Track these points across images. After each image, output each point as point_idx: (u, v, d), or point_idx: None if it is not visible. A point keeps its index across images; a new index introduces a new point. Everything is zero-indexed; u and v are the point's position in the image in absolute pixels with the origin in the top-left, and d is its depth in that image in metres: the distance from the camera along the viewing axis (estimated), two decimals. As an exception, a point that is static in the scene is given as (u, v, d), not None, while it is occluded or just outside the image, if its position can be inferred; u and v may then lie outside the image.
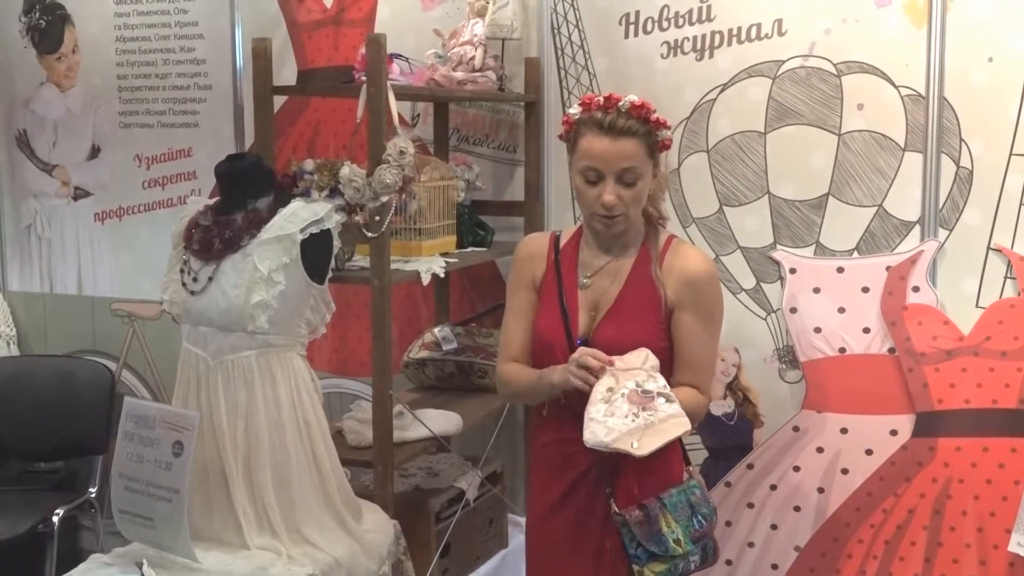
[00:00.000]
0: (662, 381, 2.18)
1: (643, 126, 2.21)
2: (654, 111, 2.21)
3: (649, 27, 3.19)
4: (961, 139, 2.89)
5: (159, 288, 2.63)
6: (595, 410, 2.12)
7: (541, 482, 2.43)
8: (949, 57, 2.88)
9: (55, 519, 3.57)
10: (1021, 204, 2.86)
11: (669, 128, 2.26)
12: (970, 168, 2.89)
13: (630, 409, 2.12)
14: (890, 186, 2.97)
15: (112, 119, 4.10)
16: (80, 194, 4.20)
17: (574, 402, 2.22)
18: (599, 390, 2.14)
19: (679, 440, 2.28)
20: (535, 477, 2.49)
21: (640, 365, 2.18)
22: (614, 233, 2.30)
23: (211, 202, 2.60)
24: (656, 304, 2.27)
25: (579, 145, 2.25)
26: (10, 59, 4.24)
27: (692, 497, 2.26)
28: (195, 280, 2.48)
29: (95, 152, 4.16)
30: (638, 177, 2.22)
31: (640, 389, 2.14)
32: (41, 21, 4.17)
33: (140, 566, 2.30)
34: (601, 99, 2.22)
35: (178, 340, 2.56)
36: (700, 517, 2.24)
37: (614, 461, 2.21)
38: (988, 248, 2.88)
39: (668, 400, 2.14)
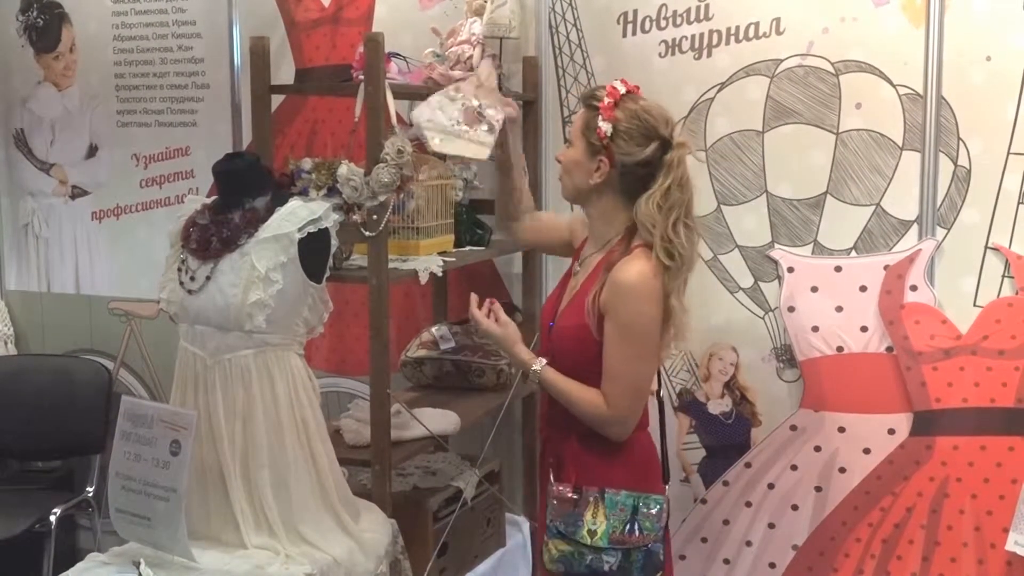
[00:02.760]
0: (502, 115, 2.57)
1: (595, 101, 2.30)
2: (605, 98, 2.27)
3: (647, 26, 3.19)
4: (959, 138, 2.90)
5: (156, 287, 2.61)
6: (436, 99, 2.44)
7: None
8: (947, 56, 2.88)
9: (52, 518, 3.57)
10: (1019, 203, 2.86)
11: (608, 119, 2.26)
12: (968, 167, 2.89)
13: (458, 117, 2.47)
14: (888, 185, 2.97)
15: (110, 118, 4.10)
16: (78, 193, 4.20)
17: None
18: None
19: (662, 456, 2.43)
20: None
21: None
22: (564, 197, 2.46)
23: (209, 201, 2.58)
24: (584, 313, 2.29)
25: None
26: (7, 58, 4.24)
27: (643, 507, 2.28)
28: (192, 279, 2.48)
29: (93, 151, 4.16)
30: (569, 144, 2.38)
31: (478, 110, 2.40)
32: (39, 20, 4.17)
33: (138, 565, 2.29)
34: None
35: (175, 339, 2.55)
36: (636, 526, 2.26)
37: (560, 439, 2.38)
38: (986, 247, 2.89)
39: (490, 131, 2.48)
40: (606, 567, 2.24)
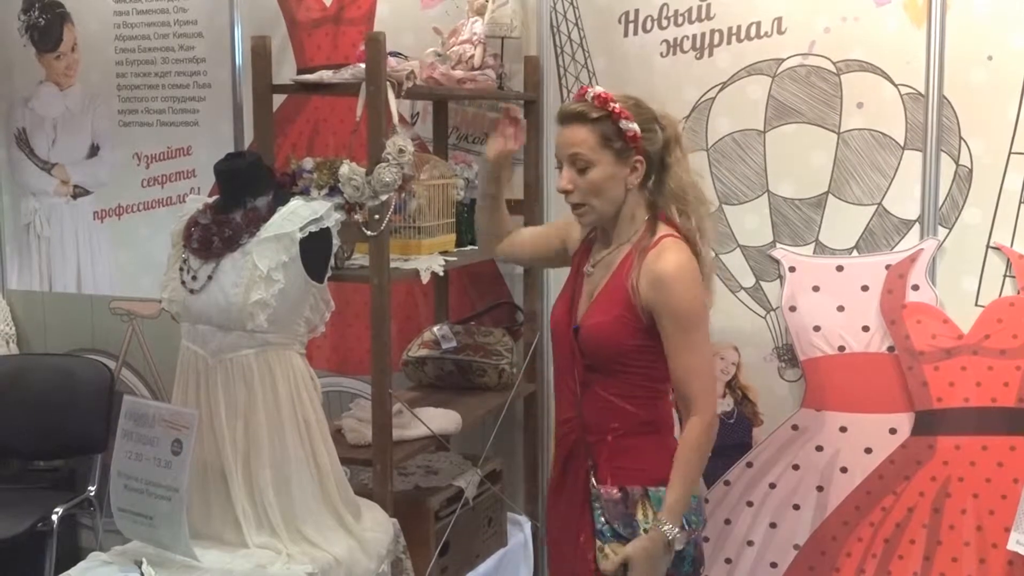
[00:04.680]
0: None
1: (596, 112, 2.22)
2: (616, 103, 2.21)
3: (648, 25, 3.19)
4: (961, 137, 2.89)
5: (158, 286, 2.62)
6: None
7: (553, 462, 2.56)
8: (949, 55, 2.88)
9: (54, 517, 3.58)
10: (1020, 202, 2.86)
11: (631, 120, 2.21)
12: (969, 167, 2.89)
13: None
14: (889, 184, 2.97)
15: (111, 117, 4.10)
16: (79, 192, 4.20)
17: (560, 379, 2.42)
18: None
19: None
20: None
21: None
22: (585, 224, 2.39)
23: (210, 200, 2.59)
24: (626, 302, 2.24)
25: None
26: (9, 57, 4.24)
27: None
28: (194, 279, 2.48)
29: (94, 150, 4.16)
30: (588, 164, 2.23)
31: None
32: (40, 19, 4.17)
33: (139, 564, 2.30)
34: (577, 93, 2.31)
35: (177, 338, 2.56)
36: (684, 520, 2.21)
37: (595, 441, 2.30)
38: (987, 246, 2.89)
39: None
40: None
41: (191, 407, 2.43)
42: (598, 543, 2.23)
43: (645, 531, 2.20)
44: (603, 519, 2.24)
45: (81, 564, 2.43)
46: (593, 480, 2.28)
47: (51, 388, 3.88)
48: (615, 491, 2.25)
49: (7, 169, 4.30)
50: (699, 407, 2.20)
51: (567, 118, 2.27)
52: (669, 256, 2.21)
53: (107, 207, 4.15)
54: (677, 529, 2.16)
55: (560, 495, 2.43)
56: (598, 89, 2.25)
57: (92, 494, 3.78)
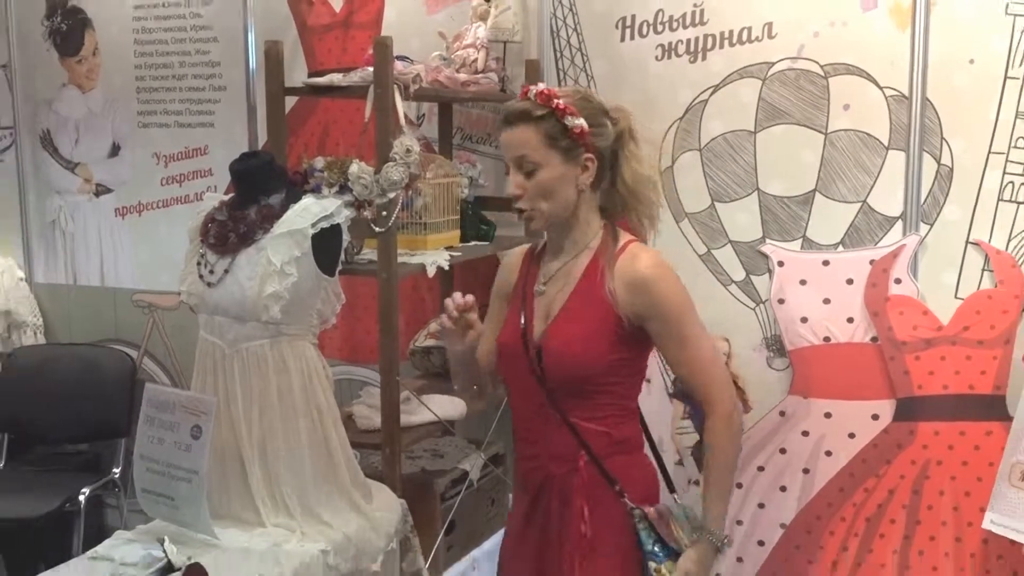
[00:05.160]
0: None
1: (539, 110, 1.99)
2: (559, 98, 1.99)
3: (644, 30, 3.21)
4: (942, 138, 2.91)
5: (177, 280, 2.63)
6: None
7: (515, 487, 2.29)
8: (932, 59, 2.89)
9: (81, 498, 3.63)
10: (999, 200, 2.88)
11: (576, 116, 1.98)
12: (950, 166, 2.91)
13: None
14: (874, 183, 2.99)
15: (131, 119, 4.13)
16: (101, 190, 4.23)
17: (519, 411, 2.15)
18: None
19: (658, 466, 2.22)
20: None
21: None
22: (535, 230, 2.18)
23: (226, 198, 2.62)
24: (604, 310, 2.00)
25: None
26: (33, 61, 4.26)
27: (688, 515, 2.09)
28: (211, 272, 2.50)
29: (115, 150, 4.19)
30: (536, 166, 1.99)
31: None
32: (63, 25, 4.19)
33: (162, 542, 2.31)
34: (520, 92, 2.06)
35: (196, 329, 2.59)
36: (697, 534, 2.05)
37: (568, 467, 2.05)
38: (967, 242, 2.90)
39: None
40: None
41: (209, 394, 2.46)
42: (653, 565, 2.00)
43: (685, 545, 2.03)
44: (653, 539, 2.02)
45: (107, 542, 2.46)
46: (628, 501, 2.04)
47: (76, 376, 3.92)
48: (653, 511, 2.04)
49: (33, 168, 4.33)
50: (715, 401, 2.01)
51: (511, 118, 2.03)
52: (644, 257, 2.02)
53: (128, 204, 4.18)
54: (723, 538, 2.01)
55: (527, 538, 2.16)
56: (540, 86, 2.03)
57: (116, 476, 3.82)
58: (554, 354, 2.02)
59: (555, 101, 1.98)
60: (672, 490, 2.24)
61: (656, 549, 2.02)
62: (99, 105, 4.18)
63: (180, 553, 2.26)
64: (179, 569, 2.22)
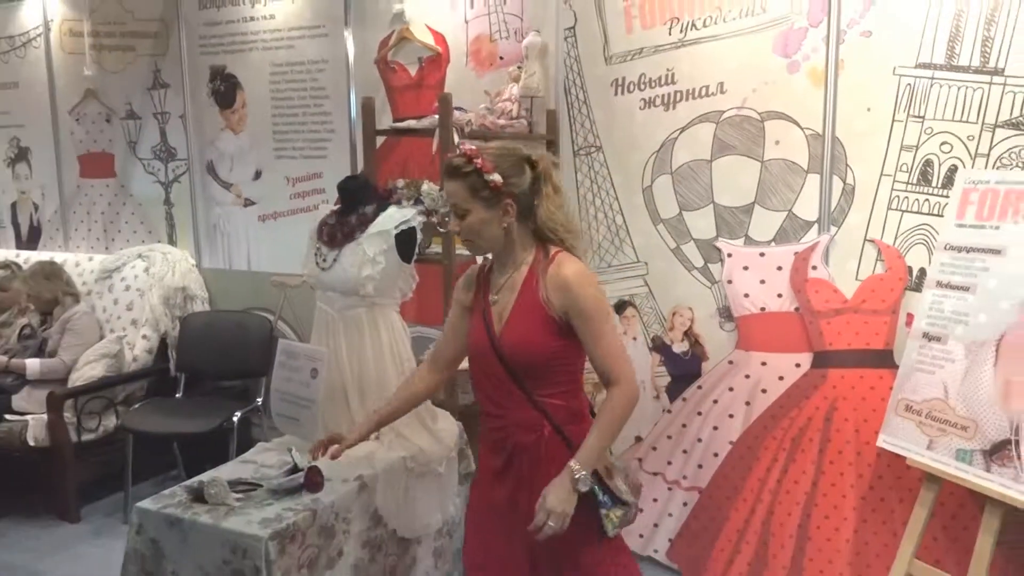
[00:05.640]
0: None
1: (466, 167, 1.82)
2: (477, 158, 1.81)
3: (631, 88, 3.14)
4: (847, 164, 2.83)
5: (301, 265, 2.64)
6: None
7: (482, 452, 2.04)
8: (840, 107, 2.82)
9: (235, 419, 3.64)
10: (888, 209, 2.79)
11: (491, 172, 1.81)
12: (853, 184, 2.83)
13: None
14: (797, 197, 2.92)
15: (269, 153, 4.12)
16: (248, 203, 4.23)
17: (485, 396, 1.94)
18: None
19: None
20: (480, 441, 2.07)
21: None
22: (476, 253, 1.98)
23: (335, 208, 2.60)
24: (540, 310, 1.83)
25: None
26: (201, 114, 4.27)
27: (615, 460, 1.96)
28: (324, 261, 2.50)
29: (258, 175, 4.18)
30: (465, 212, 1.84)
31: None
32: (221, 87, 4.19)
33: (290, 450, 2.32)
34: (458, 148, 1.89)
35: (313, 301, 2.58)
36: (625, 474, 1.94)
37: (534, 436, 1.87)
38: (865, 239, 2.83)
39: None
40: (633, 513, 1.92)
41: (323, 347, 2.45)
42: (603, 511, 1.85)
43: (625, 492, 1.89)
44: (603, 491, 1.85)
45: (252, 449, 2.48)
46: (602, 476, 1.86)
47: (231, 334, 3.94)
48: (602, 468, 1.88)
49: (201, 188, 4.34)
50: (622, 380, 1.81)
51: (446, 173, 1.86)
52: (568, 265, 1.83)
53: (267, 213, 4.17)
54: (585, 472, 1.77)
55: (496, 493, 1.94)
56: (467, 146, 1.85)
57: (259, 404, 3.83)
58: (509, 348, 1.85)
59: (475, 160, 1.81)
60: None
61: (606, 499, 1.85)
62: (247, 143, 4.17)
63: (302, 458, 2.26)
64: (302, 469, 2.20)
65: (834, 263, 2.87)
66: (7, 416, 3.64)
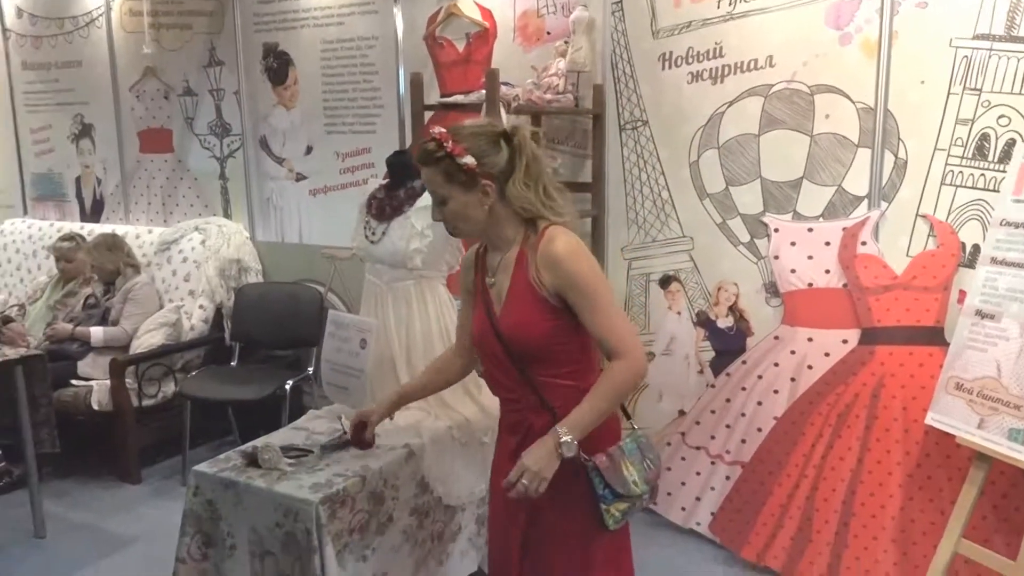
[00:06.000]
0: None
1: (438, 152, 1.71)
2: (448, 141, 1.71)
3: (679, 62, 3.09)
4: (899, 139, 2.76)
5: (350, 239, 2.66)
6: None
7: (501, 432, 1.96)
8: (892, 80, 2.74)
9: (287, 387, 3.71)
10: (941, 184, 2.71)
11: (463, 155, 1.70)
12: (905, 159, 2.76)
13: None
14: (846, 172, 2.85)
15: (320, 128, 4.15)
16: (300, 177, 4.27)
17: (495, 382, 1.87)
18: None
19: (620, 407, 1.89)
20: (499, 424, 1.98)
21: None
22: (462, 237, 1.88)
23: (384, 182, 2.61)
24: (532, 289, 1.72)
25: None
26: (255, 90, 4.31)
27: (641, 444, 1.81)
28: (373, 234, 2.51)
29: (309, 150, 4.22)
30: (444, 199, 1.74)
31: None
32: (274, 64, 4.23)
33: (340, 418, 2.36)
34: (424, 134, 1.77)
35: (362, 273, 2.61)
36: (649, 461, 1.80)
37: (546, 419, 1.75)
38: (916, 215, 2.75)
39: None
40: (644, 503, 1.81)
41: (372, 318, 2.48)
42: (603, 506, 1.73)
43: (634, 483, 1.75)
44: (603, 485, 1.73)
45: (303, 417, 2.52)
46: (583, 454, 1.71)
47: (284, 304, 4.00)
48: (604, 459, 1.74)
49: (255, 162, 4.40)
50: (627, 353, 1.68)
51: (420, 160, 1.76)
52: (558, 240, 1.70)
53: (318, 187, 4.21)
54: (571, 437, 1.66)
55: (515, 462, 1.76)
56: (437, 131, 1.73)
57: (310, 372, 3.89)
58: (507, 331, 1.76)
59: (446, 145, 1.70)
60: (628, 418, 1.94)
61: (606, 493, 1.73)
62: (298, 119, 4.21)
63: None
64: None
65: (884, 239, 2.81)
66: (73, 381, 3.78)
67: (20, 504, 3.41)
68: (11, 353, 3.24)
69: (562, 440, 1.66)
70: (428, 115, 3.35)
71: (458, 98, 3.18)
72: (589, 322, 1.70)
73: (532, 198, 1.73)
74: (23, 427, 3.20)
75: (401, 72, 3.81)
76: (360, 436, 2.14)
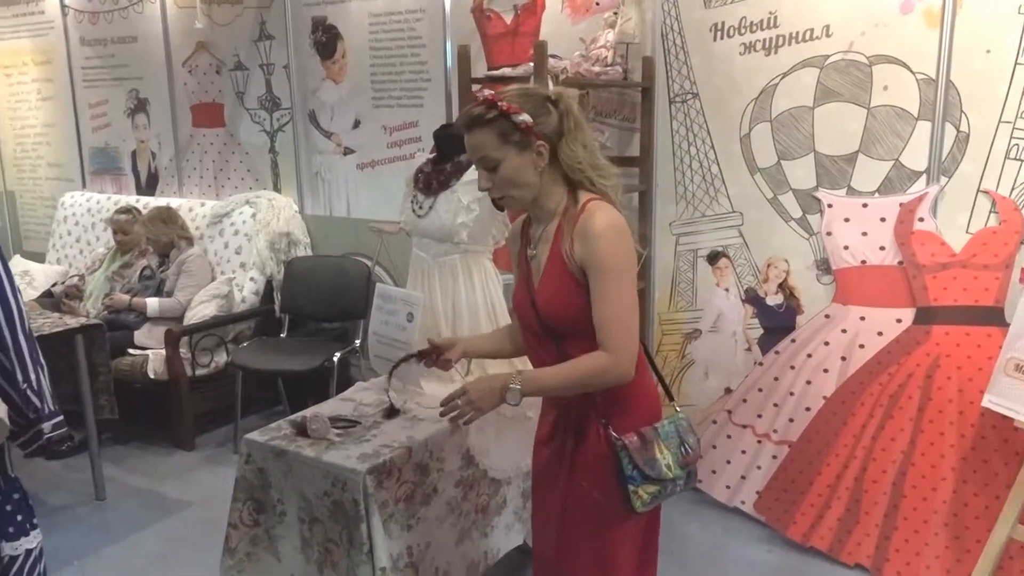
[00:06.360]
0: None
1: (489, 113, 1.64)
2: (502, 101, 1.64)
3: (731, 33, 3.01)
4: (962, 111, 2.65)
5: (398, 213, 2.66)
6: None
7: (541, 412, 1.94)
8: (955, 49, 2.62)
9: (335, 359, 3.75)
10: (1005, 159, 2.61)
11: (519, 113, 1.63)
12: (967, 132, 2.65)
13: None
14: (905, 145, 2.75)
15: (367, 102, 4.15)
16: (348, 151, 4.29)
17: (534, 354, 1.81)
18: None
19: (660, 381, 1.87)
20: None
21: None
22: (510, 208, 1.78)
23: (431, 156, 2.60)
24: (563, 262, 1.67)
25: None
26: (304, 64, 4.33)
27: (680, 428, 1.77)
28: (420, 208, 2.51)
29: (357, 124, 4.23)
30: (496, 162, 1.66)
31: None
32: (323, 38, 4.23)
33: (387, 390, 2.37)
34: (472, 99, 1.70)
35: (409, 247, 2.61)
36: (687, 446, 1.75)
37: (603, 396, 1.71)
38: (978, 190, 2.65)
39: None
40: (678, 489, 1.75)
41: (419, 292, 2.48)
42: (631, 488, 1.68)
43: (667, 466, 1.70)
44: (631, 466, 1.68)
45: (351, 388, 2.55)
46: (613, 432, 1.69)
47: (332, 278, 4.03)
48: (635, 439, 1.69)
49: (304, 137, 4.43)
50: (612, 349, 1.62)
51: (468, 125, 1.68)
52: (598, 215, 1.63)
53: (365, 161, 4.23)
54: (519, 387, 1.65)
55: (547, 450, 1.85)
56: (486, 92, 1.68)
57: (357, 345, 3.94)
58: (543, 305, 1.71)
59: (500, 104, 1.63)
60: (671, 399, 1.89)
61: (634, 474, 1.67)
62: (347, 93, 4.22)
63: (399, 398, 2.31)
64: (399, 409, 2.25)
65: (943, 215, 2.71)
66: (131, 350, 3.88)
67: (82, 468, 3.53)
68: (72, 322, 3.33)
69: (510, 386, 1.65)
70: (475, 88, 3.32)
71: (506, 71, 3.16)
72: (595, 305, 1.63)
73: (584, 158, 1.68)
74: (84, 394, 3.30)
75: (448, 45, 3.79)
76: (440, 355, 1.98)
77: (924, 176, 2.73)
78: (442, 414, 1.70)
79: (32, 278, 4.94)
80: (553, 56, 3.00)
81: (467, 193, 2.42)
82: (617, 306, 1.62)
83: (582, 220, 1.65)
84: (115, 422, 3.56)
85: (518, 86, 1.76)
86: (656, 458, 1.69)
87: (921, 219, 2.73)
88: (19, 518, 1.85)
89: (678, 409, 1.83)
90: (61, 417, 1.90)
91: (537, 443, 1.91)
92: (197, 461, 3.81)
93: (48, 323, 3.30)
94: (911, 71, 2.71)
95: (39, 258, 5.38)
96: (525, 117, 1.63)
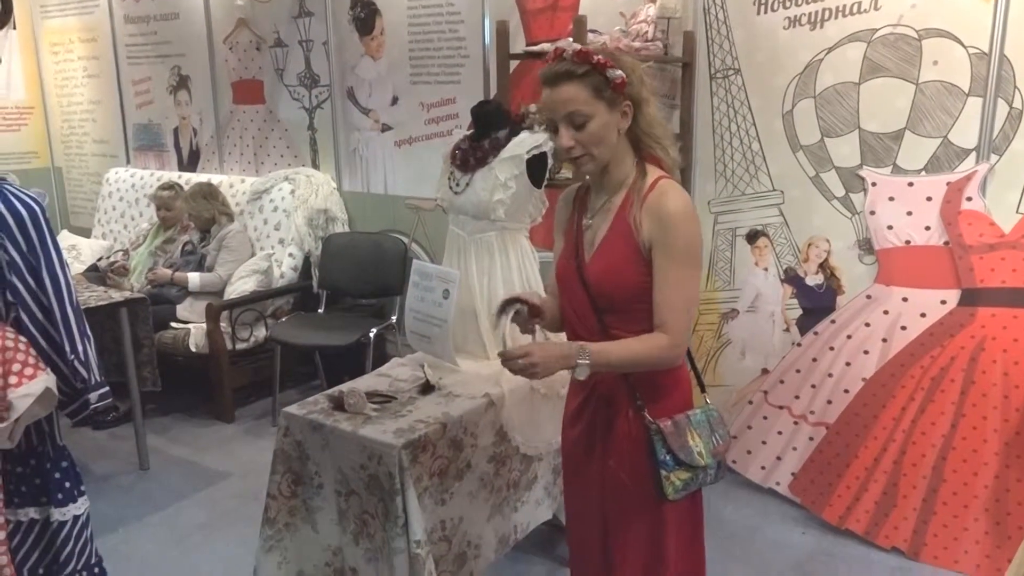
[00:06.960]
0: None
1: (581, 68, 1.57)
2: (597, 55, 1.58)
3: (775, 6, 2.94)
4: (1015, 87, 2.56)
5: (434, 189, 2.66)
6: None
7: (568, 393, 1.91)
8: (1011, 22, 2.53)
9: (371, 335, 3.77)
10: (1061, 136, 2.52)
11: (615, 68, 1.58)
12: (1021, 108, 2.56)
13: None
14: (954, 123, 2.67)
15: (406, 79, 4.14)
16: (385, 128, 4.29)
17: (572, 328, 1.77)
18: None
19: (693, 371, 1.82)
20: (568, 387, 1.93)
21: None
22: (585, 172, 1.69)
23: (468, 133, 2.59)
24: (631, 241, 1.62)
25: None
26: (342, 40, 4.32)
27: (712, 419, 1.73)
28: (457, 185, 2.51)
29: (395, 101, 4.22)
30: (587, 118, 1.59)
31: None
32: (361, 14, 4.22)
33: (422, 366, 2.38)
34: (551, 54, 1.62)
35: (446, 224, 2.60)
36: (718, 436, 1.72)
37: (638, 379, 1.69)
38: (1030, 169, 2.57)
39: None
40: (709, 479, 1.73)
41: (455, 268, 2.48)
42: (663, 473, 1.66)
43: (700, 454, 1.68)
44: (665, 451, 1.66)
45: (387, 364, 2.56)
46: (648, 416, 1.67)
47: (369, 254, 4.05)
48: (669, 424, 1.68)
49: (342, 113, 4.43)
50: (671, 332, 1.60)
51: (555, 79, 1.60)
52: (672, 195, 1.60)
53: (403, 138, 4.22)
54: (587, 362, 1.59)
55: (576, 428, 1.82)
56: (575, 45, 1.62)
57: (394, 321, 3.95)
58: (596, 276, 1.66)
59: (595, 57, 1.57)
60: (703, 390, 1.87)
61: (667, 459, 1.66)
62: (385, 69, 4.21)
63: (434, 374, 2.31)
64: (434, 385, 2.26)
65: (992, 194, 2.63)
66: (173, 324, 3.95)
67: (127, 438, 3.62)
68: (116, 296, 3.40)
69: (579, 361, 1.59)
70: (513, 64, 3.29)
71: (545, 47, 3.11)
72: (657, 287, 1.60)
73: (660, 124, 1.65)
74: (128, 366, 3.37)
75: (487, 21, 3.75)
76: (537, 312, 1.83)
77: (974, 154, 2.65)
78: (503, 364, 1.63)
79: (79, 252, 5.04)
80: (592, 31, 2.96)
81: (504, 170, 2.40)
82: (681, 291, 1.60)
83: (653, 198, 1.60)
84: (158, 394, 3.63)
85: (599, 46, 1.70)
86: (689, 444, 1.68)
87: (969, 198, 2.65)
88: (67, 485, 1.90)
89: (708, 402, 1.79)
90: (107, 388, 1.94)
91: (564, 425, 1.89)
92: (237, 433, 3.88)
93: (94, 296, 3.37)
94: (963, 45, 2.62)
95: (85, 233, 5.49)
96: (620, 72, 1.58)
